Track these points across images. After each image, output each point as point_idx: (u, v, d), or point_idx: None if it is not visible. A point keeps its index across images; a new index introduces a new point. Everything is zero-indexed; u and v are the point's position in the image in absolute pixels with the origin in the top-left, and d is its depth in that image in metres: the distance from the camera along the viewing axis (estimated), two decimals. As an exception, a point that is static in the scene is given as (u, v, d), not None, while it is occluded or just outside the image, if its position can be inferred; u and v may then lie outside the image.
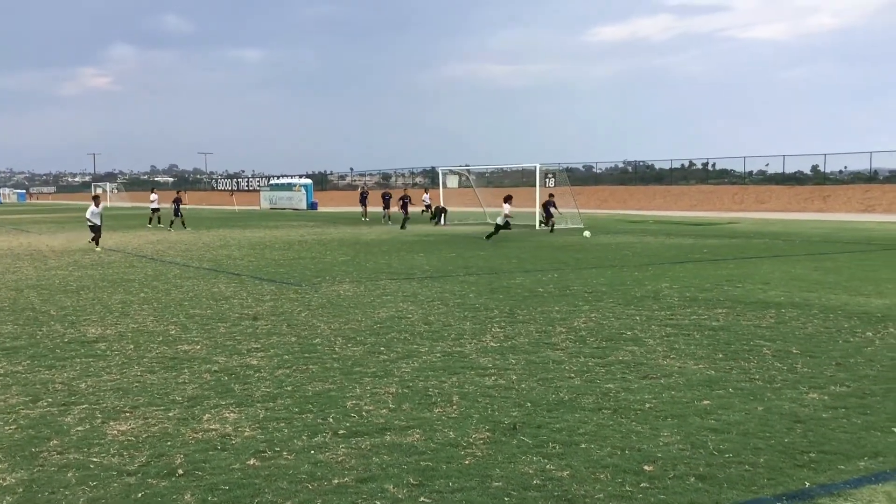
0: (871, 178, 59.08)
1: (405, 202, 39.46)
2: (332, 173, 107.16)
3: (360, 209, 46.68)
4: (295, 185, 75.60)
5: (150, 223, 40.31)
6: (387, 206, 41.87)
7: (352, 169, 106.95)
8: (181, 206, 38.95)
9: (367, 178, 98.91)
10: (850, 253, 20.84)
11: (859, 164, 60.84)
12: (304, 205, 72.22)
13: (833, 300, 12.06)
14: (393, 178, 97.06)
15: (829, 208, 52.31)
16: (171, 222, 37.81)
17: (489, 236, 27.08)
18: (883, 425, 5.86)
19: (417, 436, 5.74)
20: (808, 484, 4.73)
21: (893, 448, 5.35)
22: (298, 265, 18.84)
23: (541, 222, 33.39)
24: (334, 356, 8.50)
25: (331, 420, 6.17)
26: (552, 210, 33.01)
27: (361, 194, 48.50)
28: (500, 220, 27.53)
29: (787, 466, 5.02)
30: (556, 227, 33.02)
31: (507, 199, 28.13)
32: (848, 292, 12.88)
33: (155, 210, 41.22)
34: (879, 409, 6.29)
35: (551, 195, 33.97)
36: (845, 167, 63.40)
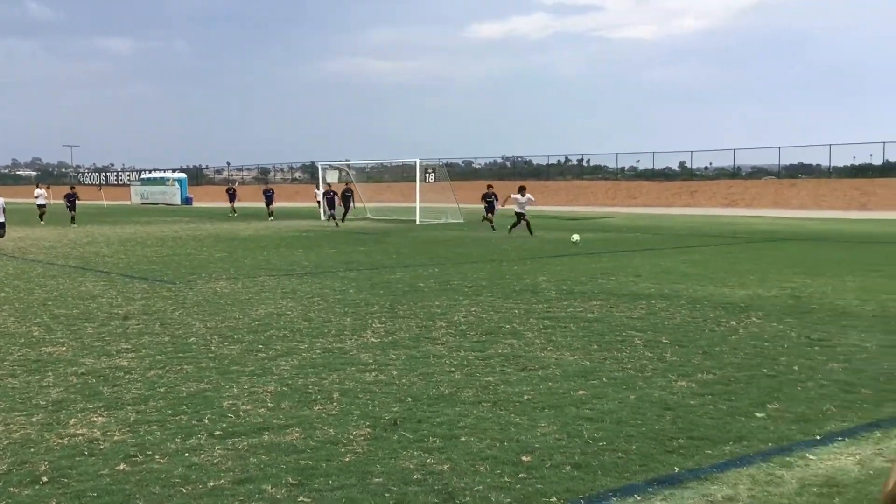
0: (734, 174, 62.08)
1: (347, 196, 37.81)
2: (207, 167, 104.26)
3: (260, 205, 45.19)
4: (168, 180, 73.29)
5: (41, 220, 37.43)
6: (332, 206, 36.42)
7: (228, 163, 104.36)
8: (76, 203, 37.09)
9: (245, 173, 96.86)
10: (715, 246, 21.84)
11: (723, 161, 63.87)
12: (178, 200, 70.11)
13: (700, 291, 12.60)
14: (272, 173, 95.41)
15: (696, 203, 54.71)
16: (72, 218, 36.07)
17: (516, 227, 26.65)
18: (746, 410, 6.15)
19: (297, 434, 5.65)
20: (677, 469, 4.91)
21: (756, 432, 5.62)
22: (172, 262, 18.25)
23: (484, 218, 30.24)
24: (210, 355, 8.27)
25: (206, 421, 6.00)
26: (496, 205, 30.17)
27: (228, 191, 47.45)
28: (517, 208, 26.65)
29: (657, 453, 5.20)
30: (436, 221, 33.19)
31: (522, 191, 26.88)
32: (713, 283, 13.48)
33: (41, 206, 38.48)
34: (743, 394, 6.60)
35: (490, 186, 31.94)
36: (711, 164, 66.39)
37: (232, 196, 46.38)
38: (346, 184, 37.96)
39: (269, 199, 41.56)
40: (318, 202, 43.74)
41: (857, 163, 57.38)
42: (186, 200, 69.96)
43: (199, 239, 26.09)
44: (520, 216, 26.63)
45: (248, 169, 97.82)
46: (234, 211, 45.38)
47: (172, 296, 12.65)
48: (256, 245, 23.33)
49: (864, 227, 30.34)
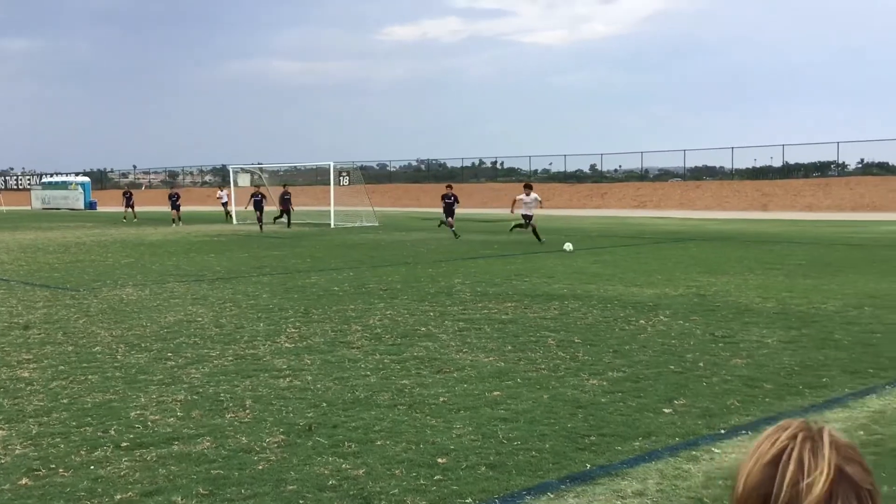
0: (642, 176, 63.70)
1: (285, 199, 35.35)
2: (112, 171, 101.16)
3: (165, 209, 41.93)
4: (71, 184, 70.82)
5: None
6: (260, 209, 33.47)
7: (135, 167, 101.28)
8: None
9: (153, 177, 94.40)
10: (625, 246, 22.35)
11: (632, 164, 65.53)
12: (81, 204, 67.80)
13: (610, 291, 12.87)
14: (181, 177, 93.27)
15: (606, 205, 55.89)
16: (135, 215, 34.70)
17: (521, 228, 24.04)
18: (655, 406, 6.31)
19: (208, 443, 5.54)
20: (589, 466, 5.01)
21: (664, 428, 5.77)
22: (76, 269, 17.66)
23: (441, 223, 27.80)
24: (116, 364, 8.03)
25: (112, 432, 5.82)
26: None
27: (125, 194, 44.66)
28: (524, 210, 23.62)
29: (570, 450, 5.29)
30: (351, 225, 32.96)
31: (527, 189, 24.13)
32: (623, 283, 13.79)
33: None
34: (651, 391, 6.77)
35: (449, 186, 28.72)
36: (620, 166, 68.00)
37: (175, 203, 40.13)
38: (257, 187, 35.58)
39: (175, 203, 39.26)
40: (223, 205, 42.17)
41: (757, 165, 59.61)
42: (90, 205, 67.73)
43: (104, 245, 25.31)
44: (527, 219, 23.60)
45: (156, 172, 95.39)
46: (135, 217, 42.17)
47: (76, 304, 12.23)
48: (165, 250, 22.77)
49: (764, 227, 31.50)
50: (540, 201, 24.03)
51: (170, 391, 6.97)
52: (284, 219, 34.80)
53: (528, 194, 23.62)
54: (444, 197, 27.70)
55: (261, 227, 32.45)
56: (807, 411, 6.14)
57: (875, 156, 56.25)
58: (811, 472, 1.14)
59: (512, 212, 24.60)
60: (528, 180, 26.14)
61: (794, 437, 1.18)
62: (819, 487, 1.13)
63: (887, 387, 6.82)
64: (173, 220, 37.89)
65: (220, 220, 40.89)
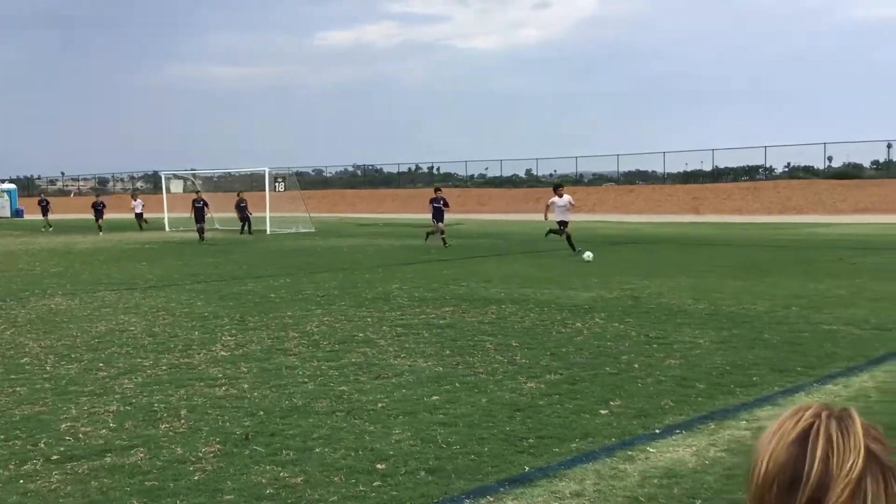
0: (577, 181, 64.52)
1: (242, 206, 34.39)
2: (40, 178, 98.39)
3: (89, 216, 39.51)
4: (-4, 191, 68.64)
5: None
6: (201, 219, 30.99)
7: (63, 173, 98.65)
8: None
9: (82, 183, 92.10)
10: (560, 251, 22.57)
11: (567, 168, 66.38)
12: (7, 212, 65.79)
13: (547, 294, 13.00)
14: (111, 183, 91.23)
15: (542, 209, 56.22)
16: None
17: (555, 234, 21.59)
18: (591, 408, 6.40)
19: (141, 455, 5.42)
20: (527, 468, 5.05)
21: (600, 429, 5.85)
22: (2, 278, 17.12)
23: (429, 234, 25.52)
24: (45, 376, 7.81)
25: (42, 446, 5.66)
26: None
27: (40, 203, 42.55)
28: (559, 216, 21.33)
29: (508, 453, 5.32)
30: (287, 231, 32.60)
31: (558, 190, 22.02)
32: (560, 287, 13.94)
33: None
34: (588, 393, 6.86)
35: (438, 189, 26.71)
36: (555, 171, 68.81)
37: (99, 211, 38.16)
38: (198, 193, 33.76)
39: (99, 212, 37.38)
40: (138, 214, 39.60)
41: (689, 169, 61.00)
42: (17, 213, 65.76)
43: (31, 253, 24.60)
44: (563, 225, 21.18)
45: (85, 178, 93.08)
46: (50, 226, 39.83)
47: (2, 314, 11.87)
48: (95, 259, 22.24)
49: (696, 230, 32.20)
50: (574, 205, 21.83)
51: (101, 402, 6.81)
52: (247, 227, 34.42)
53: (560, 196, 21.41)
54: (432, 201, 25.50)
55: (202, 237, 29.86)
56: (738, 410, 6.29)
57: (801, 160, 58.09)
58: (841, 449, 1.12)
59: (546, 217, 22.23)
60: (558, 182, 23.72)
61: (818, 415, 1.17)
62: (852, 465, 1.11)
63: (815, 384, 7.03)
64: (99, 228, 36.59)
65: (156, 226, 40.01)
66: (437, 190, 26.63)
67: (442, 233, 24.84)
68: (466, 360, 8.23)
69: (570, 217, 21.64)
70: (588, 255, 18.87)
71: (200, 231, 30.30)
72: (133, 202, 41.45)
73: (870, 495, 1.11)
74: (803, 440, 1.15)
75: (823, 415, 1.17)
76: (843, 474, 1.11)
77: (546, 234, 22.67)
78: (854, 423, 1.15)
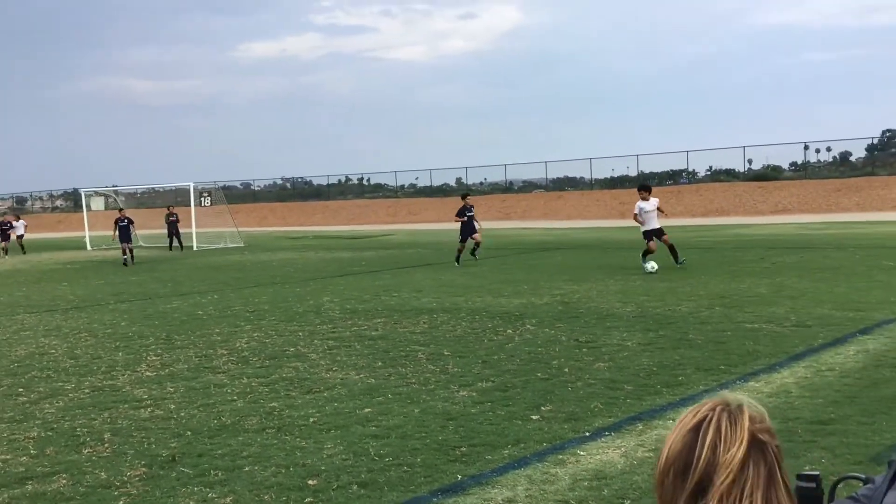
0: (507, 188, 65.10)
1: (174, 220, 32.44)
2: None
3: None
4: None
5: None
6: (126, 238, 27.21)
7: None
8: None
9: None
10: (492, 258, 22.71)
11: (496, 176, 66.89)
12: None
13: (478, 303, 13.05)
14: (29, 202, 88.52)
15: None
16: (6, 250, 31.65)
17: (647, 257, 16.88)
18: (523, 414, 6.44)
19: (64, 481, 5.26)
20: (460, 477, 5.05)
21: (532, 434, 5.89)
22: (-86, 304, 16.43)
23: (459, 251, 20.86)
24: (-39, 404, 7.51)
25: (-43, 477, 5.44)
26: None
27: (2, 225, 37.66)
28: (649, 224, 17.28)
29: (441, 463, 5.32)
30: (215, 246, 32.05)
31: (644, 192, 17.82)
32: (491, 294, 14.02)
33: None
34: (520, 399, 6.90)
35: (466, 196, 22.34)
36: (485, 179, 69.30)
37: (5, 232, 35.65)
38: (121, 210, 31.02)
39: (4, 233, 34.71)
40: (18, 237, 35.60)
41: (615, 175, 62.01)
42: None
43: (-55, 277, 23.66)
44: (656, 235, 17.18)
45: (2, 198, 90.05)
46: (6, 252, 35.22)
47: (-86, 342, 11.38)
48: (13, 280, 21.52)
49: (623, 235, 32.75)
50: (663, 212, 17.94)
51: (22, 428, 6.58)
52: (177, 243, 33.62)
53: (646, 199, 17.51)
54: (461, 212, 21.17)
55: (130, 258, 26.56)
56: (665, 410, 6.40)
57: (722, 163, 59.61)
58: (728, 437, 1.24)
59: (640, 222, 17.75)
60: (644, 183, 20.01)
61: (714, 408, 1.29)
62: (736, 450, 1.23)
63: (738, 381, 7.20)
64: (4, 251, 34.13)
65: (77, 245, 38.93)
66: (464, 197, 21.96)
67: (478, 245, 20.98)
68: (399, 370, 8.21)
69: (658, 223, 17.40)
70: (652, 265, 16.19)
71: (128, 252, 26.68)
72: (14, 223, 36.97)
73: (749, 480, 1.23)
74: (696, 430, 1.27)
75: (718, 408, 1.28)
76: (726, 461, 1.22)
77: (643, 258, 16.97)
78: (742, 415, 1.27)
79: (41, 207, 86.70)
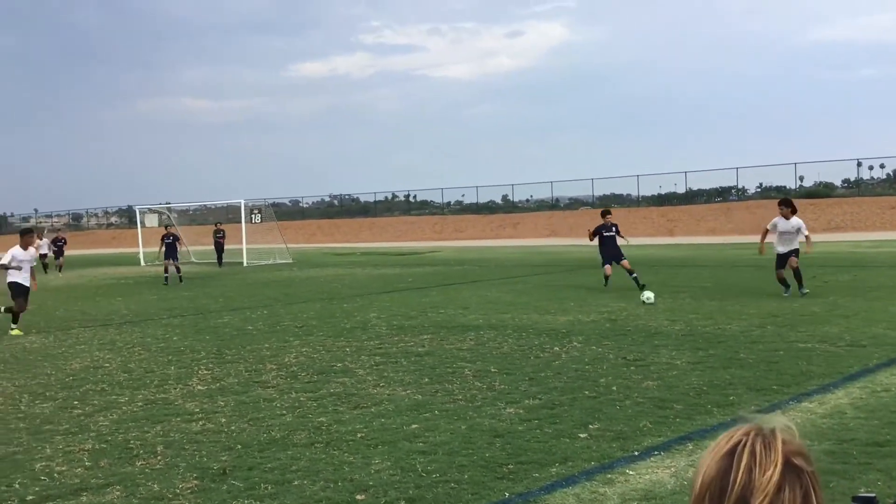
0: (553, 205, 64.92)
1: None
2: (12, 215, 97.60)
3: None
4: (-32, 229, 67.95)
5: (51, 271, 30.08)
6: (173, 255, 26.31)
7: (36, 210, 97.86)
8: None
9: (55, 220, 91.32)
10: (538, 275, 22.67)
11: (543, 193, 66.77)
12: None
13: (525, 320, 13.02)
14: (85, 219, 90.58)
15: (519, 234, 56.64)
16: (60, 267, 31.39)
17: (783, 285, 14.83)
18: (570, 432, 6.40)
19: (118, 493, 5.36)
20: (507, 494, 5.04)
21: (580, 452, 5.85)
22: (-26, 317, 16.90)
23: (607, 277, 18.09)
24: (20, 415, 7.71)
25: (17, 486, 5.58)
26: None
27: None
28: (784, 245, 15.10)
29: (488, 480, 5.31)
30: (264, 263, 32.45)
31: (786, 207, 15.43)
32: (537, 311, 13.98)
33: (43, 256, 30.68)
34: (567, 417, 6.87)
35: (607, 213, 18.80)
36: (531, 196, 69.22)
37: (58, 249, 34.44)
38: (167, 227, 30.89)
39: (60, 250, 33.26)
40: (41, 255, 30.86)
41: (662, 192, 61.56)
42: (-10, 250, 65.13)
43: (3, 292, 24.29)
44: (791, 256, 14.87)
45: (59, 215, 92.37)
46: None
47: (-25, 354, 11.71)
48: (69, 295, 22.03)
49: (670, 252, 32.43)
50: (807, 235, 15.33)
51: (77, 440, 6.73)
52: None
53: (787, 217, 15.18)
54: (597, 231, 18.22)
55: (177, 276, 26.28)
56: (716, 430, 6.32)
57: (773, 180, 58.76)
58: (763, 460, 1.26)
59: (762, 250, 16.16)
60: (786, 197, 18.25)
61: (748, 433, 1.30)
62: (771, 473, 1.25)
63: (791, 402, 7.08)
64: (59, 268, 33.01)
65: (131, 261, 39.71)
66: (605, 214, 18.64)
67: (631, 273, 17.42)
68: (445, 387, 8.22)
69: (794, 245, 14.98)
70: (648, 295, 14.67)
71: (171, 269, 26.11)
72: (38, 241, 31.44)
73: (785, 503, 1.24)
74: (731, 454, 1.29)
75: (752, 433, 1.30)
76: (762, 485, 1.24)
77: (783, 286, 14.93)
78: (776, 439, 1.28)
79: (96, 224, 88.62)
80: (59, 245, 33.78)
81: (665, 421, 6.62)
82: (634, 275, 17.34)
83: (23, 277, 14.40)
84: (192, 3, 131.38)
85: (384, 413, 7.23)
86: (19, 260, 14.43)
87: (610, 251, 18.09)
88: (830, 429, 6.08)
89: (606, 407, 7.14)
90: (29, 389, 8.95)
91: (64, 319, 15.95)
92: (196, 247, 42.28)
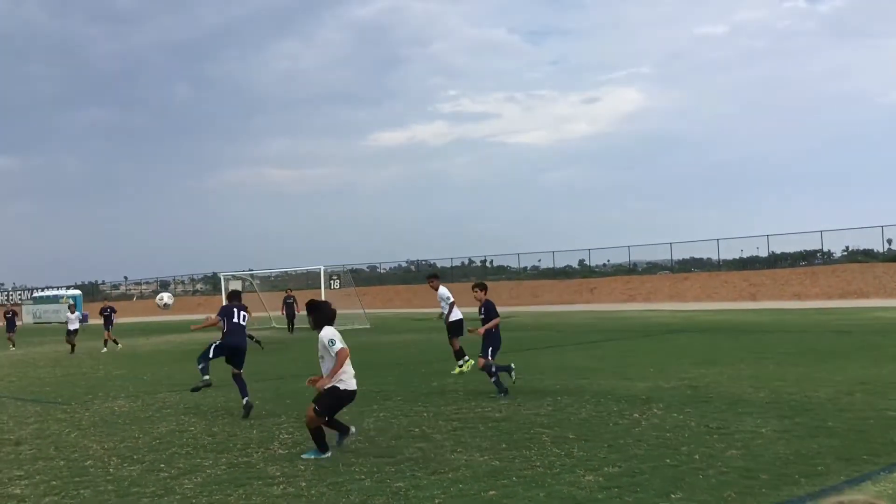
0: (630, 269, 64.15)
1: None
2: (104, 283, 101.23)
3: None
4: (62, 297, 70.74)
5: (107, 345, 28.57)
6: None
7: (126, 278, 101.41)
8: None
9: (144, 287, 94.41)
10: (615, 340, 22.38)
11: (620, 258, 66.01)
12: (76, 324, 67.58)
13: (603, 385, 12.86)
14: (172, 286, 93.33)
15: (596, 299, 56.05)
16: (116, 341, 29.43)
17: None
18: (652, 501, 6.29)
19: (202, 554, 5.47)
20: (587, 563, 4.97)
21: (661, 521, 5.74)
22: (67, 382, 17.54)
23: None
24: (108, 478, 7.95)
25: (106, 547, 5.75)
26: None
27: (6, 314, 35.12)
28: None
29: (568, 548, 5.25)
30: (342, 328, 32.81)
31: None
32: (616, 377, 13.79)
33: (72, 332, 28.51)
34: (648, 485, 6.75)
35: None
36: (608, 260, 68.49)
37: (10, 323, 34.01)
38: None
39: (108, 319, 29.71)
40: (72, 332, 28.78)
41: (744, 256, 60.21)
42: (82, 318, 67.55)
43: (95, 357, 25.18)
44: None
45: (147, 282, 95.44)
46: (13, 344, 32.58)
47: (67, 417, 12.14)
48: (157, 360, 22.66)
49: (753, 317, 31.63)
50: None
51: (163, 503, 6.90)
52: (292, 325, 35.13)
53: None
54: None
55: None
56: (804, 500, 6.12)
57: (859, 243, 56.98)
58: None
59: None
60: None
61: None
62: None
63: (882, 472, 6.82)
64: (114, 341, 29.32)
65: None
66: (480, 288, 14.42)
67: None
68: (523, 453, 8.17)
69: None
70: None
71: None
72: (69, 314, 30.40)
73: None
74: None
75: None
76: None
77: None
78: None
79: (182, 290, 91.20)
80: (105, 314, 30.18)
81: (751, 491, 6.45)
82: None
83: None
84: (279, 78, 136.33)
85: (462, 479, 7.22)
86: None
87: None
88: (926, 501, 5.82)
89: (689, 476, 6.99)
90: (118, 452, 9.23)
91: (151, 384, 16.41)
92: (276, 312, 43.05)
